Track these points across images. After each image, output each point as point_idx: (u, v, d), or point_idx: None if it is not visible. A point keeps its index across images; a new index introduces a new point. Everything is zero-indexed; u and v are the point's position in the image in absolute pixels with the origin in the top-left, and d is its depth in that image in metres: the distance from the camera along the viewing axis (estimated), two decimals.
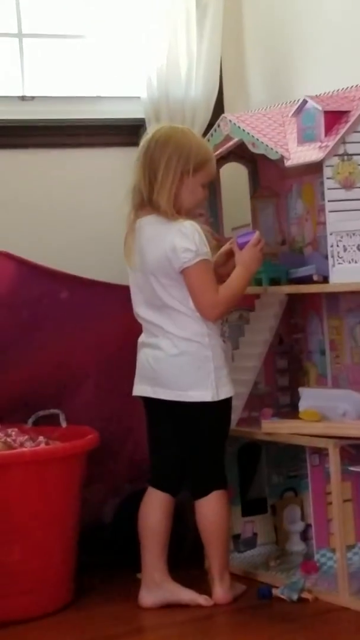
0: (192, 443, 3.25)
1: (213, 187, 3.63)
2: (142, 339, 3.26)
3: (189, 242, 3.12)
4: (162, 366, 3.19)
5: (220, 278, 3.22)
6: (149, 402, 3.27)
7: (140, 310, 3.25)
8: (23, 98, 3.87)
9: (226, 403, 3.23)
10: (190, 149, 3.17)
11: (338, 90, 3.38)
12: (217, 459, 3.27)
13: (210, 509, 3.24)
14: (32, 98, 3.88)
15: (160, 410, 3.25)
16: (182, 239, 3.12)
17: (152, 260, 3.17)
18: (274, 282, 3.45)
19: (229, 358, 3.38)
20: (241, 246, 3.25)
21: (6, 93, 3.86)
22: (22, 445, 3.31)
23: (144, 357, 3.24)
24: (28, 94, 3.87)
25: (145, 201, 3.17)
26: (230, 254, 3.27)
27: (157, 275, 3.17)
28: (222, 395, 3.20)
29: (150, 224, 3.18)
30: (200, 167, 3.18)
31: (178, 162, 3.14)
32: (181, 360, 3.17)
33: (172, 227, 3.13)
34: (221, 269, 3.26)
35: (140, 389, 3.26)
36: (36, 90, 3.89)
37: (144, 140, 3.22)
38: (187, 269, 3.13)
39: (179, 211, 3.16)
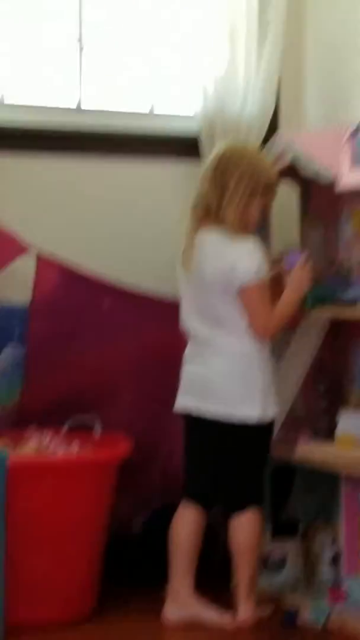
0: (234, 459, 3.24)
1: None
2: (189, 351, 3.26)
3: (252, 261, 3.13)
4: (211, 382, 3.19)
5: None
6: (191, 416, 3.26)
7: (191, 322, 3.25)
8: (79, 110, 3.88)
9: (271, 421, 3.24)
10: (261, 171, 3.20)
11: None
12: (258, 477, 3.27)
13: (244, 526, 3.23)
14: (88, 111, 3.88)
15: (203, 425, 3.23)
16: (246, 258, 3.13)
17: (211, 275, 3.17)
18: (319, 304, 3.42)
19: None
20: (289, 268, 3.26)
21: (63, 104, 3.86)
22: (55, 450, 3.32)
23: (192, 370, 3.24)
24: (84, 107, 3.88)
25: (212, 213, 3.18)
26: (278, 279, 3.27)
27: (214, 290, 3.17)
28: (270, 414, 3.21)
29: (213, 238, 3.19)
30: (267, 191, 3.22)
31: (250, 181, 3.17)
32: (231, 377, 3.17)
33: (236, 245, 3.15)
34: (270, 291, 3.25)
35: (185, 403, 3.26)
36: (92, 103, 3.88)
37: (215, 154, 3.24)
38: (246, 288, 3.14)
39: (244, 228, 3.17)
